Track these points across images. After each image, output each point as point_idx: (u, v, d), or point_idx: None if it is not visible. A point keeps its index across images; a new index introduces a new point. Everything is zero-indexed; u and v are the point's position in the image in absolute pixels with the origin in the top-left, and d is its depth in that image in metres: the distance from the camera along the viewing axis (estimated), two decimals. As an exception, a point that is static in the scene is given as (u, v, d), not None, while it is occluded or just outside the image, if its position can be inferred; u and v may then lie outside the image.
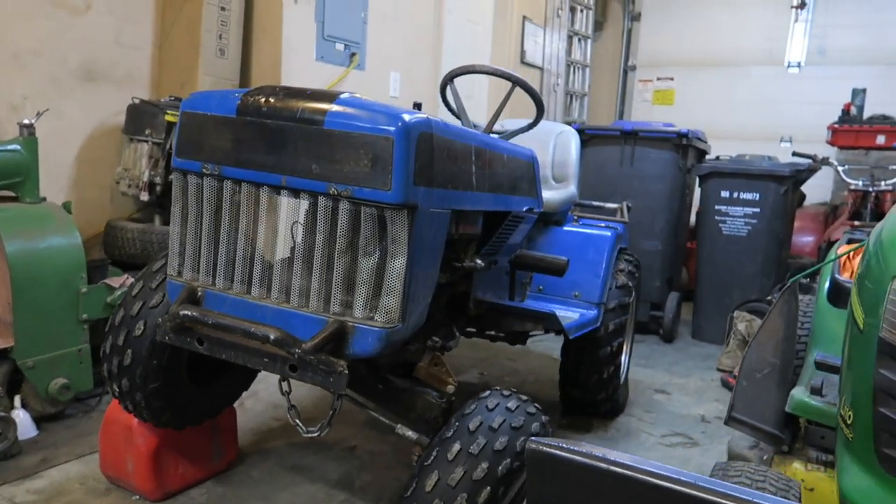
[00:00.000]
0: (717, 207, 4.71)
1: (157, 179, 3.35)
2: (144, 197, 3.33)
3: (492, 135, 2.31)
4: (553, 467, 1.17)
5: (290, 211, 1.63)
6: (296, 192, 1.61)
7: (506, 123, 3.17)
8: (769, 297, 4.37)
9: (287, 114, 1.58)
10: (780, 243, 4.68)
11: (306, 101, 1.59)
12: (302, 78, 4.01)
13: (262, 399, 3.17)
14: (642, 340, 4.69)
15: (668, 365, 4.30)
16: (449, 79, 2.75)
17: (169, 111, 3.29)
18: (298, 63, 3.99)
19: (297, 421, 1.91)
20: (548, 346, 4.39)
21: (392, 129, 1.51)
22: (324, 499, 2.40)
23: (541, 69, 6.77)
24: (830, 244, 4.82)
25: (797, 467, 2.18)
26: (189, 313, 1.63)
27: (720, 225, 4.71)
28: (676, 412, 3.50)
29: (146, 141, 3.35)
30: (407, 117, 1.53)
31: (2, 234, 2.57)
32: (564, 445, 1.16)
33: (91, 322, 2.83)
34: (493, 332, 3.03)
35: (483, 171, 1.93)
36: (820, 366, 2.07)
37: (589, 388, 3.08)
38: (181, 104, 1.74)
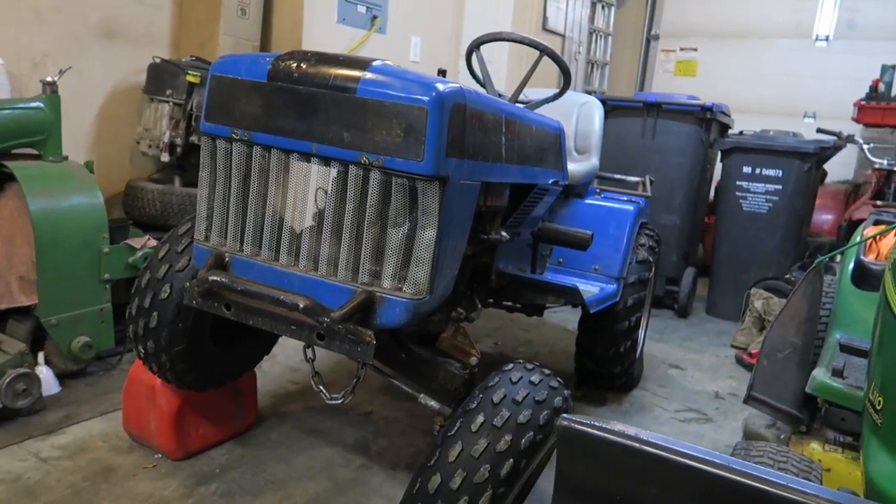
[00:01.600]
0: (738, 183, 4.65)
1: (178, 140, 3.33)
2: (165, 158, 3.32)
3: (517, 104, 2.27)
4: (584, 445, 1.17)
5: (320, 179, 1.61)
6: (326, 161, 1.59)
7: (528, 93, 3.13)
8: (787, 276, 4.34)
9: (319, 80, 1.56)
10: (801, 221, 4.63)
11: (339, 68, 1.56)
12: (323, 40, 3.96)
13: (280, 362, 3.20)
14: (657, 315, 4.69)
15: (682, 340, 4.30)
16: (476, 46, 2.70)
17: (190, 71, 3.25)
18: (319, 25, 3.93)
19: (321, 387, 1.93)
20: (562, 317, 4.39)
21: (426, 98, 1.49)
22: (341, 463, 2.43)
23: (563, 36, 6.65)
24: (851, 223, 4.77)
25: (815, 448, 2.19)
26: (217, 279, 1.63)
27: (741, 201, 4.66)
28: (690, 388, 3.51)
29: (167, 101, 3.32)
30: (441, 87, 1.51)
31: (26, 193, 2.58)
32: (596, 423, 1.16)
33: (112, 282, 2.85)
34: (509, 303, 3.03)
35: (512, 142, 1.90)
36: (844, 348, 2.06)
37: (605, 362, 3.08)
38: (210, 67, 1.71)
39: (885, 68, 5.75)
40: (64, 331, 2.70)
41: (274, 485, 2.25)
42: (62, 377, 2.78)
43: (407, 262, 1.58)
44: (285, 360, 3.24)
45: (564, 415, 1.19)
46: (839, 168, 6.34)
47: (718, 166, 4.92)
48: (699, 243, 5.42)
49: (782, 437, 2.36)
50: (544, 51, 2.57)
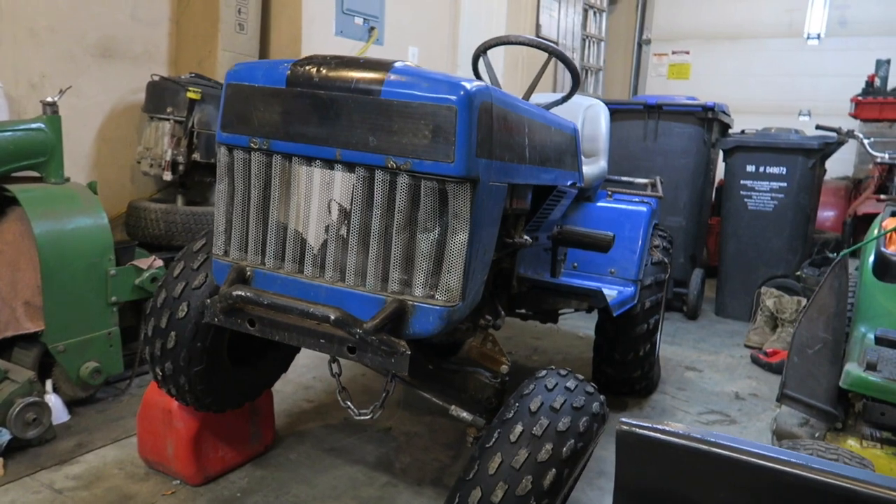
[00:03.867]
0: (742, 182, 4.63)
1: (180, 158, 3.27)
2: (168, 177, 3.26)
3: (532, 106, 2.23)
4: (645, 449, 1.11)
5: (345, 185, 1.56)
6: (351, 166, 1.54)
7: (536, 97, 3.09)
8: (798, 273, 4.31)
9: (341, 84, 1.51)
10: (807, 218, 4.61)
11: (361, 71, 1.51)
12: (321, 53, 3.92)
13: (292, 381, 3.13)
14: (667, 318, 4.63)
15: (694, 342, 4.26)
16: (483, 50, 2.68)
17: (191, 88, 3.21)
18: (318, 38, 3.90)
19: (349, 403, 1.86)
20: (572, 324, 4.34)
21: (454, 98, 1.44)
22: (365, 481, 2.36)
23: (556, 43, 6.65)
24: (857, 218, 4.75)
25: (852, 444, 2.13)
26: (242, 294, 1.57)
27: (745, 200, 4.64)
28: (710, 389, 3.46)
29: (168, 119, 3.27)
30: (469, 86, 1.46)
31: (29, 216, 2.51)
32: (658, 427, 1.11)
33: (120, 304, 2.78)
34: (523, 311, 2.98)
35: (534, 143, 1.86)
36: (881, 341, 2.01)
37: (625, 366, 3.03)
38: (226, 75, 1.66)
39: (879, 63, 5.77)
40: (72, 357, 2.63)
41: (298, 507, 2.18)
42: (71, 404, 2.70)
43: (438, 268, 1.53)
44: (297, 379, 3.17)
45: (623, 419, 1.14)
46: (838, 164, 6.34)
47: (720, 166, 4.90)
48: (704, 244, 5.39)
49: (816, 434, 2.30)
50: (553, 52, 2.54)
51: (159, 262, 2.91)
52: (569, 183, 2.28)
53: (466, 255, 1.52)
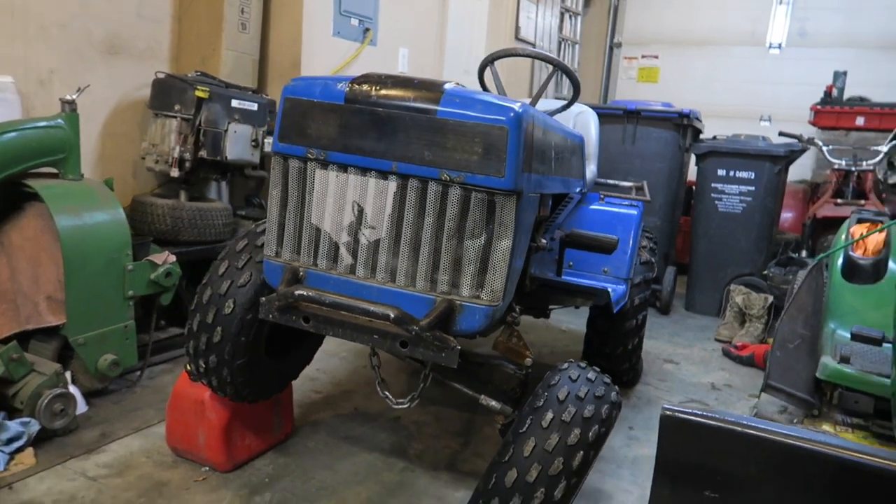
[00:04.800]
0: (713, 185, 4.91)
1: (187, 155, 3.34)
2: (175, 173, 3.32)
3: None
4: (687, 430, 1.30)
5: (399, 195, 1.70)
6: (405, 178, 1.69)
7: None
8: (765, 272, 4.61)
9: (398, 103, 1.65)
10: (773, 220, 4.92)
11: (417, 91, 1.66)
12: (319, 54, 4.02)
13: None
14: (642, 313, 4.89)
15: (669, 336, 4.52)
16: (490, 61, 2.82)
17: (199, 87, 3.28)
18: (316, 38, 3.99)
19: (387, 393, 2.01)
20: (555, 318, 4.55)
21: (504, 119, 1.60)
22: (383, 467, 2.51)
23: (533, 45, 6.84)
24: (816, 221, 5.09)
25: (826, 429, 2.39)
26: (304, 293, 1.70)
27: (716, 202, 4.92)
28: (688, 380, 3.71)
29: (175, 117, 3.33)
30: (517, 108, 1.62)
31: (52, 212, 2.57)
32: (697, 412, 1.30)
33: (135, 298, 2.85)
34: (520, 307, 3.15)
35: (558, 155, 2.03)
36: (856, 337, 2.26)
37: (614, 359, 3.24)
38: (283, 90, 1.78)
39: (837, 74, 6.15)
40: (91, 349, 2.70)
41: (326, 491, 2.32)
42: (87, 396, 2.77)
43: (483, 270, 1.69)
44: (303, 372, 3.28)
45: (665, 405, 1.32)
46: (796, 168, 6.70)
47: (692, 169, 5.17)
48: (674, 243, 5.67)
49: (794, 421, 2.56)
50: (557, 65, 2.70)
51: (172, 258, 2.99)
52: (577, 189, 2.47)
53: (510, 259, 1.69)
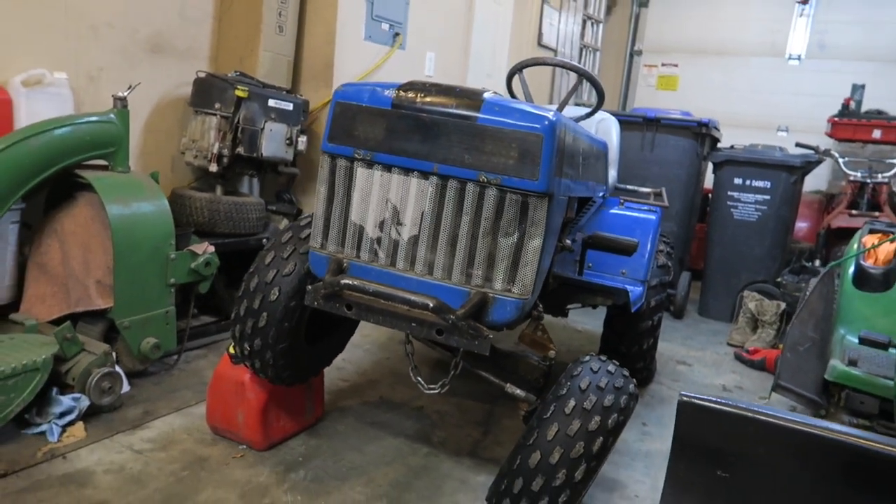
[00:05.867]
0: (729, 193, 5.01)
1: (225, 152, 3.50)
2: (213, 168, 3.48)
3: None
4: (703, 415, 1.43)
5: (438, 194, 1.84)
6: (445, 178, 1.83)
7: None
8: (779, 279, 4.71)
9: (442, 109, 1.80)
10: (787, 229, 5.02)
11: (459, 98, 1.80)
12: (351, 57, 4.17)
13: (327, 362, 3.39)
14: (656, 316, 5.01)
15: (682, 339, 4.63)
16: (518, 69, 2.96)
17: (239, 86, 3.43)
18: (348, 42, 4.14)
19: (419, 379, 2.15)
20: (570, 318, 4.67)
21: (539, 126, 1.74)
22: (409, 451, 2.65)
23: (555, 51, 6.97)
24: (830, 231, 5.18)
25: (833, 429, 2.50)
26: (350, 282, 1.85)
27: (732, 210, 5.03)
28: (700, 381, 3.83)
29: (215, 114, 3.49)
30: (552, 116, 1.76)
31: (104, 201, 2.73)
32: (712, 398, 1.43)
33: (176, 286, 3.01)
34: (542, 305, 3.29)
35: (585, 161, 2.17)
36: (864, 341, 2.38)
37: (629, 358, 3.36)
38: (333, 94, 1.93)
39: (855, 87, 6.23)
40: (135, 332, 2.86)
41: (355, 471, 2.46)
42: (129, 376, 2.93)
43: (516, 266, 1.83)
44: (330, 360, 3.44)
45: (683, 392, 1.46)
46: (812, 179, 6.79)
47: (709, 177, 5.28)
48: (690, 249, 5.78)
49: (802, 420, 2.67)
50: (582, 73, 2.84)
51: (211, 248, 3.15)
52: (601, 193, 2.60)
53: (540, 256, 1.82)
